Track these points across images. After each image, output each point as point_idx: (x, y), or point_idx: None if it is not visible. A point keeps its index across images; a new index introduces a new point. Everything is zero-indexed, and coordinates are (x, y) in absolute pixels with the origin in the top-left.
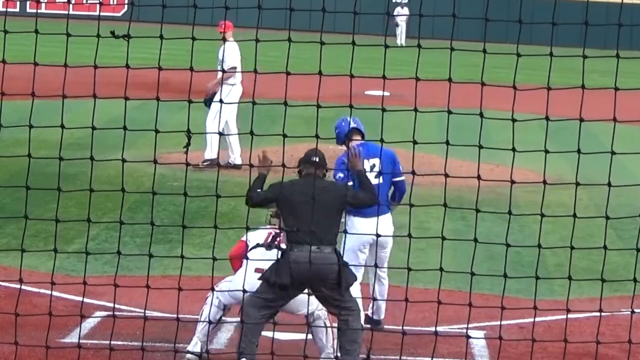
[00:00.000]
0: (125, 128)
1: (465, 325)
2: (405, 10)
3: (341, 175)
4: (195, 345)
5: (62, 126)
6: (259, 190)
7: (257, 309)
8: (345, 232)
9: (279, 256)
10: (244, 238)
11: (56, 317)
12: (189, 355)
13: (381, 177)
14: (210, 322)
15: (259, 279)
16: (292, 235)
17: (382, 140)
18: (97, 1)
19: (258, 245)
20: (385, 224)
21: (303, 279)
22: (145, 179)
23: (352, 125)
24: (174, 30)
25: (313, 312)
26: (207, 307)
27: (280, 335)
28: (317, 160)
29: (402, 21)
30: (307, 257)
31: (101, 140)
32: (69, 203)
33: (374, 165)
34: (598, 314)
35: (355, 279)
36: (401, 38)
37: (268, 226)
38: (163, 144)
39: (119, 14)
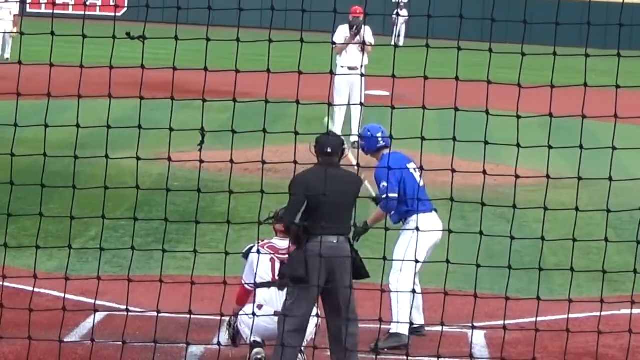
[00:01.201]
0: (140, 127)
1: (465, 325)
2: (404, 12)
3: (384, 184)
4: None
5: (78, 125)
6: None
7: (296, 332)
8: (417, 229)
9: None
10: (244, 280)
11: (56, 317)
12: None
13: (422, 180)
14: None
15: (279, 287)
16: (313, 224)
17: (391, 136)
18: (111, 3)
19: (269, 284)
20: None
21: (321, 270)
22: (146, 178)
23: (381, 143)
24: (173, 30)
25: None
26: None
27: None
28: (330, 151)
29: (400, 23)
30: (324, 247)
31: (102, 140)
32: (70, 203)
33: (415, 169)
34: (597, 313)
35: (369, 276)
36: (399, 38)
37: (264, 244)
38: (163, 144)
39: (119, 14)
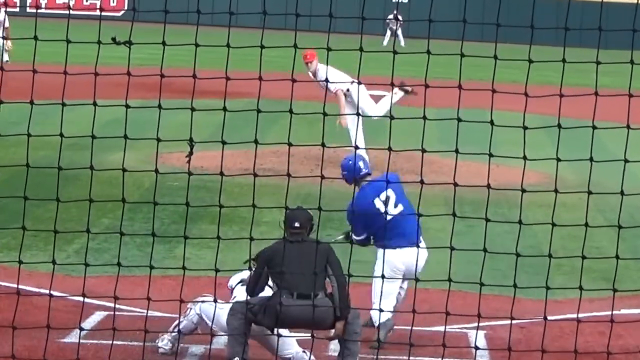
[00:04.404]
0: (125, 137)
1: (465, 325)
2: (399, 17)
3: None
4: (166, 344)
5: (61, 135)
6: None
7: (240, 316)
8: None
9: (270, 296)
10: (229, 284)
11: (56, 317)
12: (161, 350)
13: (400, 205)
14: (180, 332)
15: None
16: (282, 283)
17: (389, 149)
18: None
19: (243, 281)
20: (419, 255)
21: (294, 324)
22: (145, 179)
23: (364, 170)
24: (173, 30)
25: (294, 357)
26: (185, 320)
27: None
28: (298, 225)
29: (396, 28)
30: (297, 305)
31: (101, 140)
32: (69, 203)
33: (388, 198)
34: (597, 313)
35: (348, 312)
36: (399, 40)
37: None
38: (164, 144)
39: (119, 14)
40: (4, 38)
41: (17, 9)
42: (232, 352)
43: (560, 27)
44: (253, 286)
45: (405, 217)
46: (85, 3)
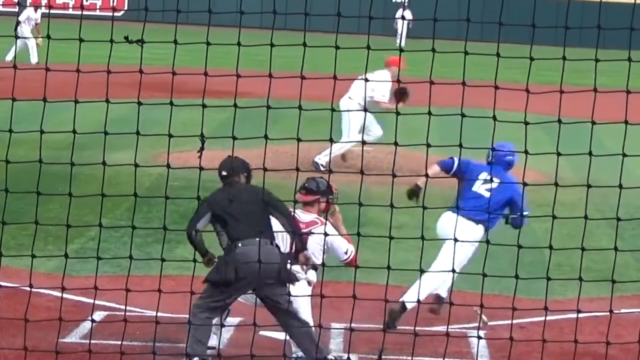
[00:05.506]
0: (138, 133)
1: (465, 325)
2: (407, 14)
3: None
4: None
5: (74, 131)
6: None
7: (204, 310)
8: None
9: (225, 252)
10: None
11: (56, 317)
12: (209, 351)
13: (493, 185)
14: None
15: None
16: (232, 233)
17: (396, 144)
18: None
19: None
20: (462, 226)
21: (249, 273)
22: (144, 179)
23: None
24: (169, 30)
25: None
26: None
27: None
28: (225, 174)
29: (404, 25)
30: (253, 251)
31: (102, 140)
32: (68, 203)
33: (491, 179)
34: (597, 313)
35: (297, 280)
36: (401, 39)
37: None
38: (162, 144)
39: (119, 14)
40: (36, 38)
41: (16, 8)
42: (193, 350)
43: (560, 26)
44: (194, 221)
45: (482, 195)
46: (85, 3)
